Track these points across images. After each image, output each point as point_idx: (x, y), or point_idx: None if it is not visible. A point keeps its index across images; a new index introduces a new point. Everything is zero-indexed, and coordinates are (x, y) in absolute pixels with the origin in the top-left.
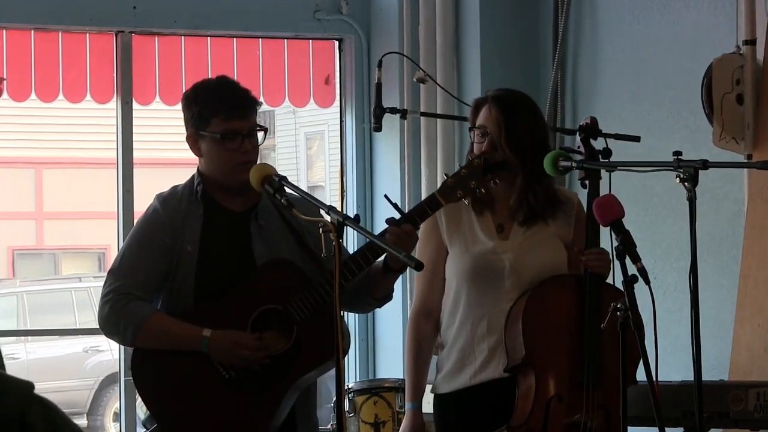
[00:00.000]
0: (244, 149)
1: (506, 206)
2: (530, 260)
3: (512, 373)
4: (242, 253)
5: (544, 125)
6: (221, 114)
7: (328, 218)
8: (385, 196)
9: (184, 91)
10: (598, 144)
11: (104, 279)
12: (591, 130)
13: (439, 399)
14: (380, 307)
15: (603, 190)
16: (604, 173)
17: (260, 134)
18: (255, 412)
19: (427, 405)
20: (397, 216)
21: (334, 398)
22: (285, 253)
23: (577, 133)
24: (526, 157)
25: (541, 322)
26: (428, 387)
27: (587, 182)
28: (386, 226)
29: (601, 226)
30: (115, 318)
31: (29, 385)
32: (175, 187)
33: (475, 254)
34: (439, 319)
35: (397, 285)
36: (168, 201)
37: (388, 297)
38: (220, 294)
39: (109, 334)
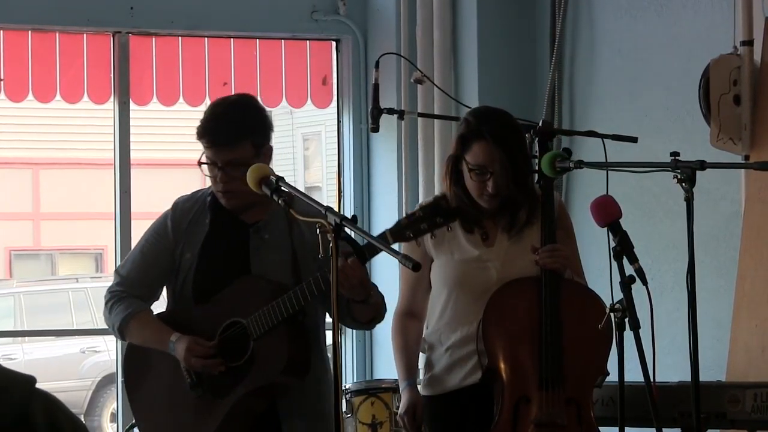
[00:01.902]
0: (219, 180)
1: (490, 216)
2: (517, 266)
3: (487, 379)
4: (239, 264)
5: (526, 142)
6: (203, 141)
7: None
8: (341, 224)
9: (180, 91)
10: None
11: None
12: (545, 132)
13: (426, 401)
14: (368, 328)
15: (600, 191)
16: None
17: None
18: (205, 418)
19: None
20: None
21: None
22: (279, 270)
23: (534, 138)
24: (525, 183)
25: (501, 326)
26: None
27: (540, 183)
28: (382, 227)
29: (598, 227)
30: (107, 314)
31: (31, 380)
32: (196, 192)
33: (462, 263)
34: (422, 318)
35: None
36: (180, 206)
37: (373, 321)
38: (211, 299)
39: (108, 327)
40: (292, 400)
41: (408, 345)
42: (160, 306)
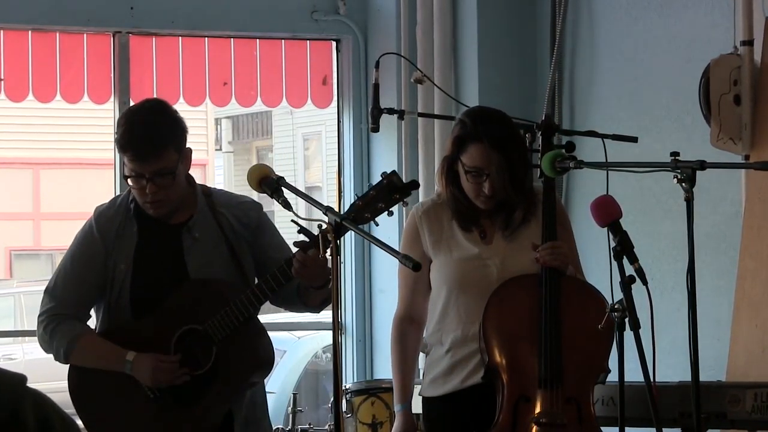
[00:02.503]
0: (148, 191)
1: (487, 216)
2: (517, 263)
3: (488, 378)
4: (176, 267)
5: (524, 142)
6: (126, 155)
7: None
8: (292, 220)
9: (181, 91)
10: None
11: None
12: (547, 126)
13: (427, 402)
14: (318, 312)
15: (600, 191)
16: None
17: (180, 167)
18: (176, 427)
19: (417, 407)
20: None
21: (332, 399)
22: (218, 267)
23: (537, 131)
24: (522, 184)
25: (501, 325)
26: (416, 388)
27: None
28: (382, 227)
29: (598, 227)
30: (48, 338)
31: (22, 378)
32: (114, 199)
33: (461, 263)
34: (422, 323)
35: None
36: (103, 216)
37: (324, 303)
38: (153, 310)
39: (47, 353)
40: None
41: (406, 359)
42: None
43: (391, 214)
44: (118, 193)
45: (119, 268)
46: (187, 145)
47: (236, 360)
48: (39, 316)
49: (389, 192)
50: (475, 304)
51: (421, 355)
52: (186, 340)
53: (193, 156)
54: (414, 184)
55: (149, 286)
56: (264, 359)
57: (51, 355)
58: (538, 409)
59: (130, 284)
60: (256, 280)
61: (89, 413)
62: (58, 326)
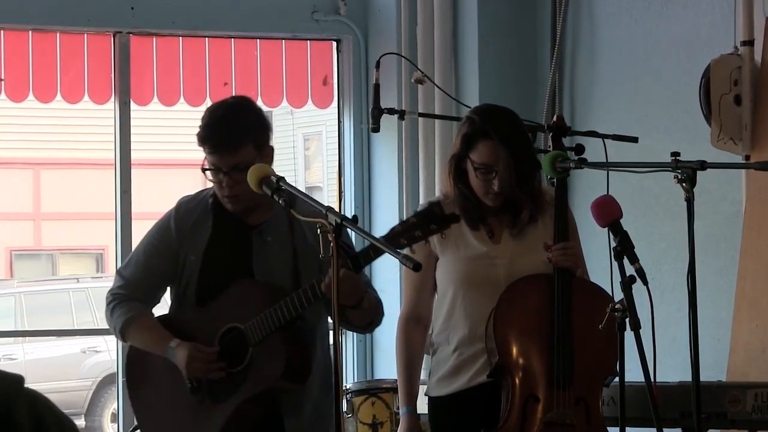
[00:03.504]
0: (225, 185)
1: (494, 214)
2: (525, 263)
3: (495, 377)
4: (242, 266)
5: (531, 140)
6: (205, 147)
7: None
8: (341, 224)
9: (181, 91)
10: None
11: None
12: (559, 127)
13: (434, 401)
14: (366, 332)
15: (601, 191)
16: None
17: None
18: (206, 422)
19: (422, 406)
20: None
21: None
22: (281, 273)
23: (549, 134)
24: (528, 183)
25: (511, 324)
26: (422, 388)
27: (554, 182)
28: (383, 227)
29: (599, 227)
30: (108, 316)
31: (19, 379)
32: (199, 192)
33: (469, 261)
34: (428, 323)
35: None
36: (183, 207)
37: (370, 325)
38: (210, 303)
39: (109, 329)
40: (293, 399)
41: (412, 361)
42: (162, 308)
43: (427, 243)
44: (117, 193)
45: (190, 259)
46: (271, 144)
47: (267, 363)
48: (107, 295)
49: (428, 221)
50: (482, 303)
51: (427, 357)
52: (228, 337)
53: (193, 156)
54: (454, 218)
55: (214, 280)
56: (295, 368)
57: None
58: (547, 410)
59: (197, 276)
60: None
61: (136, 392)
62: (117, 306)
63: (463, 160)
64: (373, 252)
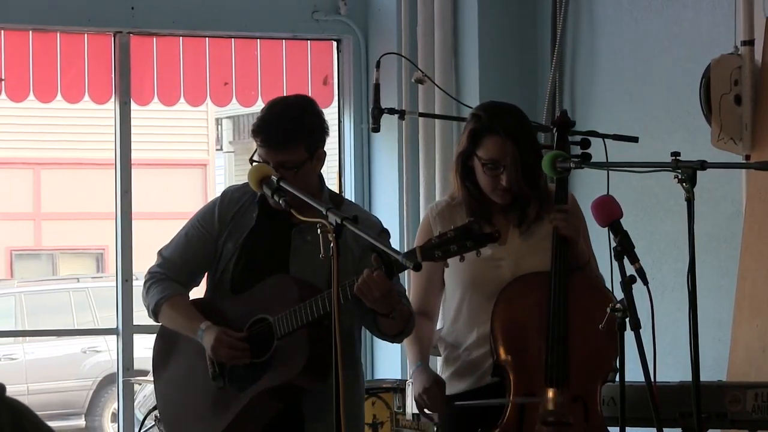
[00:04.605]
0: None
1: (501, 213)
2: (530, 263)
3: (498, 376)
4: (278, 262)
5: (536, 137)
6: (257, 139)
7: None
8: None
9: (182, 91)
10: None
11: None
12: (564, 122)
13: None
14: (395, 342)
15: (601, 191)
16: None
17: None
18: (222, 409)
19: None
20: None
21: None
22: (316, 273)
23: (553, 129)
24: (535, 178)
25: (508, 322)
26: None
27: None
28: (387, 227)
29: (599, 227)
30: (144, 294)
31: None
32: (247, 184)
33: (474, 263)
34: (434, 317)
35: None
36: (230, 196)
37: (400, 335)
38: (246, 292)
39: (145, 307)
40: (317, 402)
41: (420, 336)
42: (199, 292)
43: (462, 260)
44: (117, 192)
45: (227, 247)
46: (324, 149)
47: (289, 359)
48: (146, 273)
49: (465, 237)
50: (489, 305)
51: (438, 358)
52: (256, 328)
53: (193, 156)
54: (492, 237)
55: (249, 272)
56: (316, 366)
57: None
58: (544, 408)
59: (233, 265)
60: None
61: (160, 372)
62: (153, 284)
63: (469, 158)
64: (377, 244)
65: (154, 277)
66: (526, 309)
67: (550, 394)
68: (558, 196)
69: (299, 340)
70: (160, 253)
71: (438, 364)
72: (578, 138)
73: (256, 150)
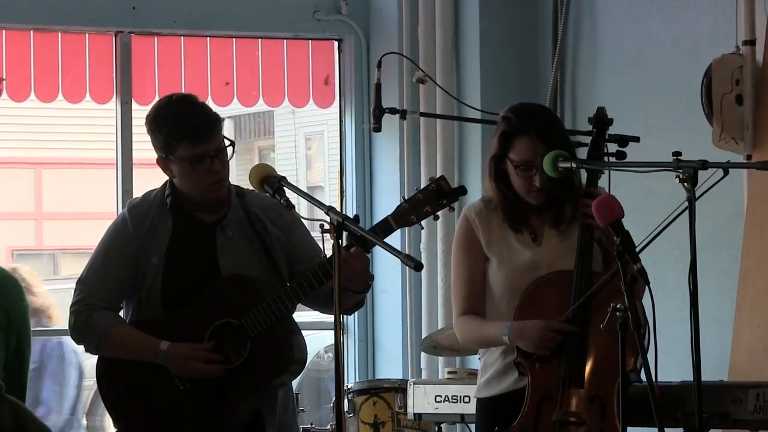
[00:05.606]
0: (214, 169)
1: (536, 214)
2: (566, 264)
3: (520, 374)
4: (208, 264)
5: (567, 135)
6: (186, 140)
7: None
8: (343, 224)
9: (183, 91)
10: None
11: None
12: (603, 120)
13: (482, 403)
14: (350, 314)
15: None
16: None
17: (229, 149)
18: (206, 423)
19: (470, 407)
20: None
21: (334, 399)
22: (251, 266)
23: (592, 127)
24: (568, 177)
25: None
26: (471, 389)
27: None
28: None
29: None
30: (80, 329)
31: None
32: (148, 193)
33: (514, 267)
34: (484, 315)
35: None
36: (137, 209)
37: (355, 307)
38: (185, 304)
39: (77, 343)
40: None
41: (482, 319)
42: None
43: (437, 218)
44: (119, 192)
45: (151, 261)
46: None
47: (269, 357)
48: (71, 306)
49: (437, 197)
50: None
51: (477, 358)
52: (219, 335)
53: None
54: (461, 190)
55: (180, 281)
56: (296, 358)
57: (85, 349)
58: (559, 407)
59: (161, 278)
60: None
61: (117, 403)
62: (90, 317)
63: (502, 161)
64: (381, 245)
65: (85, 310)
66: (548, 307)
67: (568, 393)
68: (588, 193)
69: (273, 335)
70: (82, 282)
71: (477, 366)
72: (581, 141)
73: (178, 158)
